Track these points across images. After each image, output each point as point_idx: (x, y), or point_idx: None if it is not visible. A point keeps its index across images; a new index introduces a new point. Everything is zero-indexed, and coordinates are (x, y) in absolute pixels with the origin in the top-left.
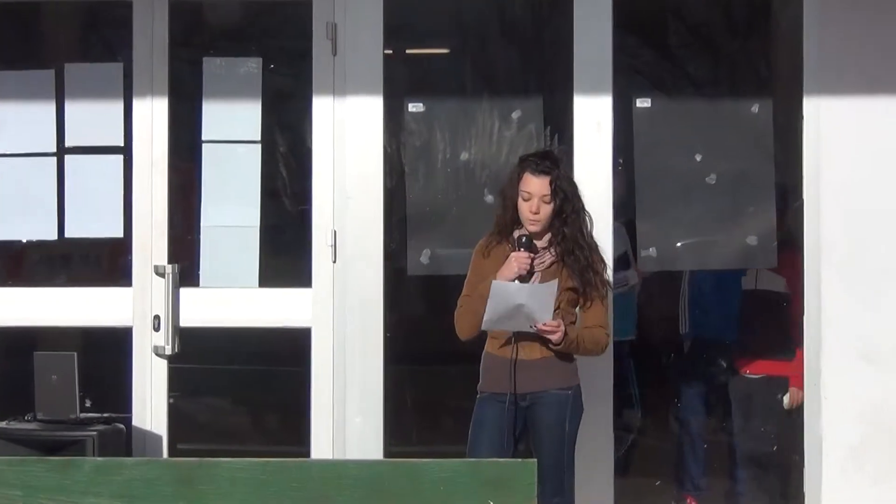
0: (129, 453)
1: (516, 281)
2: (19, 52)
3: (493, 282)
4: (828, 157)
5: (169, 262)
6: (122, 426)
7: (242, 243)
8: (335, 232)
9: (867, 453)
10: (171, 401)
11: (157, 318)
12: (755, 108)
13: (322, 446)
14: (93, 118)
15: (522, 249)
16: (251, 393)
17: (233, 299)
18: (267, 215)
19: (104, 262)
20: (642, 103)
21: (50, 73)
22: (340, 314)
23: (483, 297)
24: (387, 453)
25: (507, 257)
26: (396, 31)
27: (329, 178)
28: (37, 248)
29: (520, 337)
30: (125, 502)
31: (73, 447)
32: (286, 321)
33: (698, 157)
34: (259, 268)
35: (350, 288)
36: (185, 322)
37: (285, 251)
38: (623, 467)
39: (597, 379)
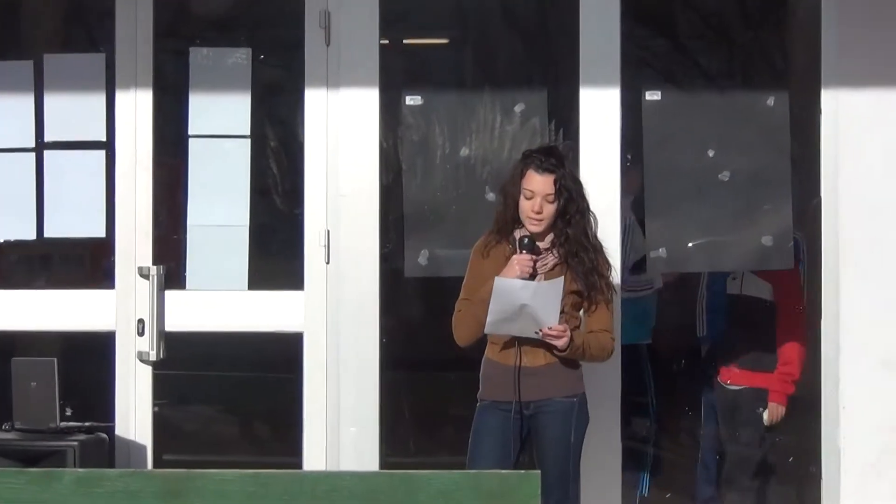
0: (111, 464)
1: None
2: None
3: (497, 279)
4: (847, 153)
5: (154, 264)
6: (104, 436)
7: (231, 244)
8: (328, 232)
9: (888, 464)
10: (156, 409)
11: (141, 322)
12: (770, 102)
13: (315, 457)
14: (73, 112)
15: (524, 251)
16: (240, 401)
17: (221, 302)
18: (257, 214)
19: (85, 263)
20: (652, 96)
21: (28, 64)
22: (334, 318)
23: (484, 301)
24: (383, 464)
25: (507, 258)
26: (393, 19)
27: (322, 175)
28: (14, 248)
29: (522, 342)
30: None
31: (52, 458)
32: (277, 325)
33: (711, 153)
34: (248, 269)
35: (344, 290)
36: (170, 326)
37: (276, 252)
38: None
39: (603, 386)
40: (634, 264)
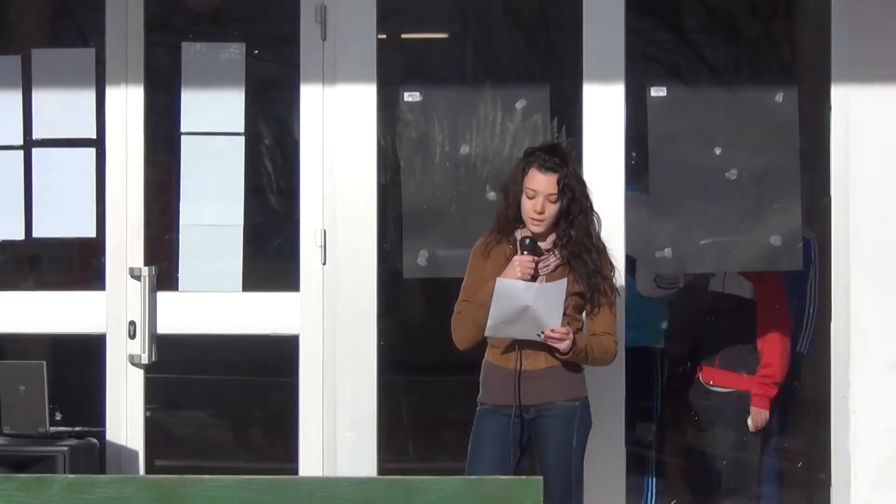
0: (102, 470)
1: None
2: None
3: (498, 280)
4: (857, 150)
5: (145, 265)
6: (95, 441)
7: (225, 244)
8: (325, 231)
9: None
10: (148, 413)
11: (132, 324)
12: (779, 98)
13: (311, 462)
14: (62, 108)
15: (526, 252)
16: (234, 405)
17: (214, 304)
18: (251, 213)
19: (75, 263)
20: (657, 92)
21: (16, 60)
22: (330, 320)
23: (484, 304)
24: (381, 470)
25: (508, 258)
26: (391, 13)
27: (318, 174)
28: (2, 248)
29: (523, 345)
30: None
31: (42, 464)
32: (272, 328)
33: (718, 151)
34: (243, 270)
35: (341, 292)
36: (162, 329)
37: (271, 252)
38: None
39: (607, 390)
40: None
